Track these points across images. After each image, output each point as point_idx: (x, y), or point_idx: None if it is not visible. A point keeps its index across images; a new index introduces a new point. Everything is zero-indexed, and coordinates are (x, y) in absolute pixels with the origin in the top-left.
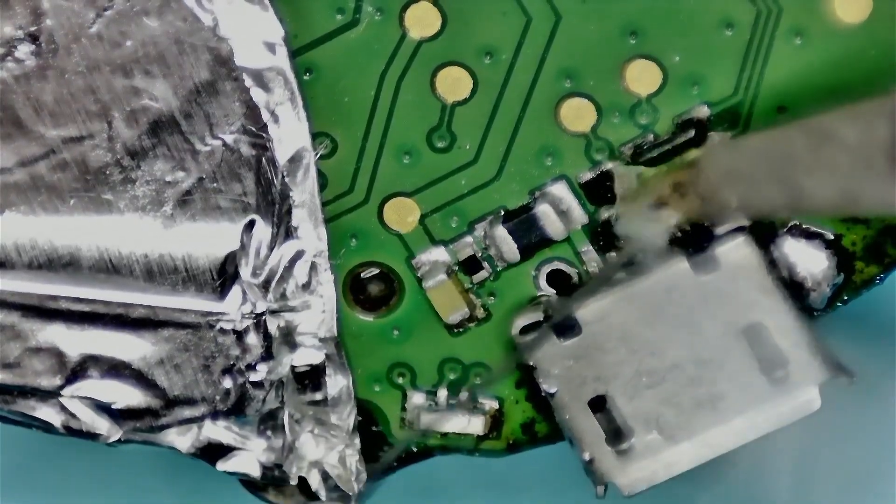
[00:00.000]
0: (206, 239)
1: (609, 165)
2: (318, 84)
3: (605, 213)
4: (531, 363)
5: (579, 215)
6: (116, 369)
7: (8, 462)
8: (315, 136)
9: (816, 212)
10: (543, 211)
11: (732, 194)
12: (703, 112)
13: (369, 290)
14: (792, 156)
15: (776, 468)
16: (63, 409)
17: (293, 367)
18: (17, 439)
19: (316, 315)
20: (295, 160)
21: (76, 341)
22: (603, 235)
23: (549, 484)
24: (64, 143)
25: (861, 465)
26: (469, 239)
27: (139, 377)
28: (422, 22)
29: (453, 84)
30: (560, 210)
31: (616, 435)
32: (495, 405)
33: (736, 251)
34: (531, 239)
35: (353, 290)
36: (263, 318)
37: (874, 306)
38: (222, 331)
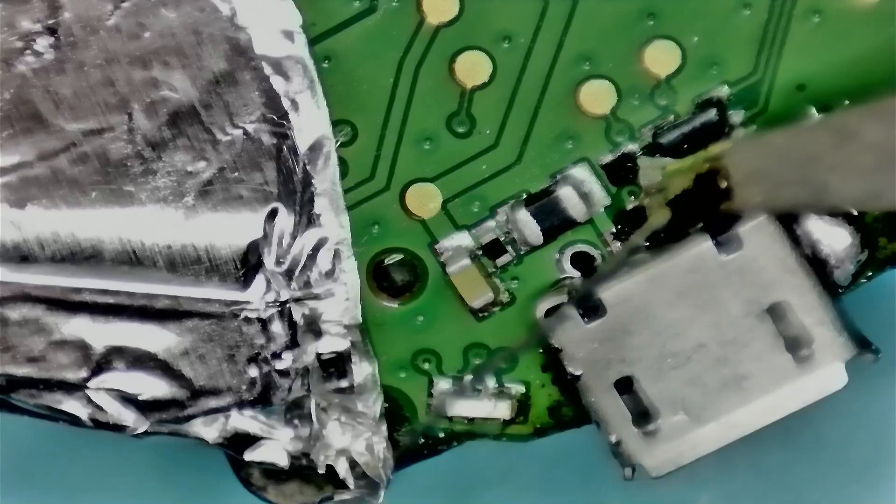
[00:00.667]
0: (229, 228)
1: (630, 147)
2: (336, 72)
3: (628, 204)
4: (556, 345)
5: (601, 197)
6: (141, 361)
7: (8, 462)
8: (335, 123)
9: (840, 208)
10: (565, 193)
11: (756, 191)
12: (723, 92)
13: (393, 276)
14: (816, 153)
15: (776, 465)
16: (89, 401)
17: (318, 355)
18: (17, 439)
19: (340, 302)
20: (315, 148)
21: (101, 333)
22: (625, 223)
23: (575, 472)
24: (84, 135)
25: (861, 462)
26: (491, 223)
27: (164, 368)
28: (439, 7)
29: (472, 69)
30: (582, 192)
31: (642, 416)
32: (521, 389)
33: (759, 230)
34: (553, 221)
35: (377, 277)
36: (287, 306)
37: (874, 305)
38: (246, 320)
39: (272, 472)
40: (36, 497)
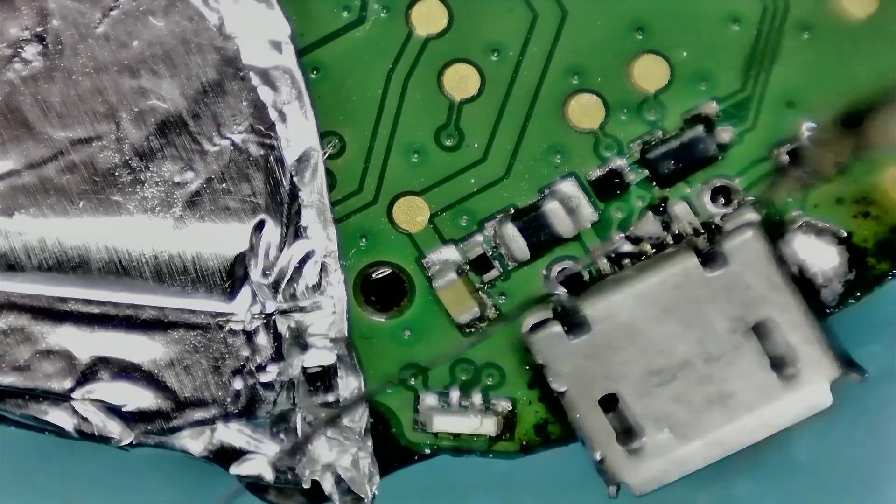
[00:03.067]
0: (216, 240)
1: (618, 162)
2: (325, 83)
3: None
4: (541, 361)
5: (589, 213)
6: (127, 371)
7: (8, 462)
8: (323, 135)
9: None
10: (552, 208)
11: None
12: (712, 108)
13: (380, 290)
14: None
15: (775, 465)
16: (75, 412)
17: (304, 369)
18: (17, 439)
19: (327, 316)
20: (303, 160)
21: (86, 343)
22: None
23: (558, 483)
24: (72, 144)
25: (861, 464)
26: (479, 238)
27: (149, 379)
28: (428, 19)
29: (461, 82)
30: (569, 207)
31: (627, 434)
32: (508, 406)
33: (745, 247)
34: (541, 237)
35: (364, 290)
36: (273, 318)
37: (873, 307)
38: (232, 331)
39: None
40: (35, 497)
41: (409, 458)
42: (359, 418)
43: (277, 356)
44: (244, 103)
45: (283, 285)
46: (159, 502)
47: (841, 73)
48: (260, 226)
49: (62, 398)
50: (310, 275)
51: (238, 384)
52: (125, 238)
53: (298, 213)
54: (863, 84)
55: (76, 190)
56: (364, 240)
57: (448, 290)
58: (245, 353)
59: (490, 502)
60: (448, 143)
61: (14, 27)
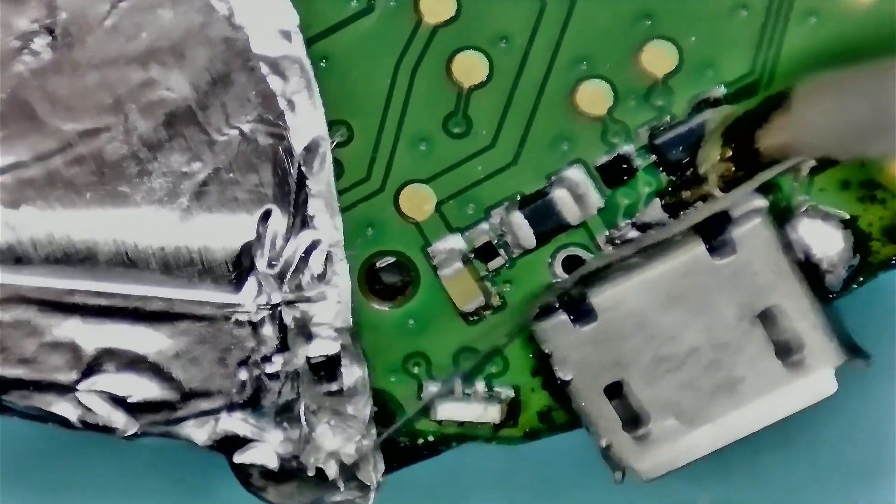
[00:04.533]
0: (223, 230)
1: (625, 149)
2: (332, 72)
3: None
4: (547, 350)
5: (595, 199)
6: (133, 363)
7: (8, 462)
8: (331, 124)
9: None
10: (559, 196)
11: (827, 132)
12: (720, 93)
13: (385, 279)
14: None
15: (775, 466)
16: (79, 403)
17: (309, 359)
18: (17, 439)
19: (331, 305)
20: (311, 149)
21: (92, 335)
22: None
23: (572, 473)
24: (80, 136)
25: (860, 462)
26: (485, 226)
27: (155, 370)
28: (436, 8)
29: (469, 70)
30: (576, 194)
31: (633, 421)
32: (512, 393)
33: (753, 234)
34: (547, 224)
35: (369, 280)
36: (279, 309)
37: (877, 292)
38: (238, 323)
39: (271, 473)
40: (35, 496)
41: (414, 450)
42: (363, 406)
43: (283, 347)
44: (253, 93)
45: (288, 275)
46: (160, 500)
47: (848, 58)
48: (266, 216)
49: (67, 389)
50: (315, 265)
51: (243, 375)
52: (132, 230)
53: (305, 202)
54: None
55: (84, 182)
56: (370, 229)
57: (454, 280)
58: (251, 343)
59: (492, 495)
60: (456, 130)
61: (23, 20)
